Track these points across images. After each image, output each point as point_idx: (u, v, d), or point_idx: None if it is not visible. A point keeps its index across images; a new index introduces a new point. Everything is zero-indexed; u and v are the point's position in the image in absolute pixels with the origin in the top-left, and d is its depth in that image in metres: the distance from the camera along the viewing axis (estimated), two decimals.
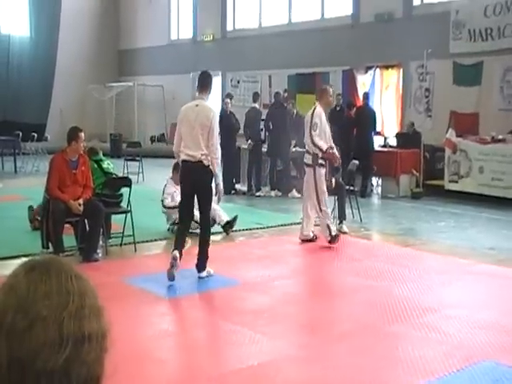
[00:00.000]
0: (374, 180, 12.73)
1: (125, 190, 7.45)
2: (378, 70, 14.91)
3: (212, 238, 8.14)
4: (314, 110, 7.70)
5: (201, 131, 5.97)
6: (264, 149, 12.51)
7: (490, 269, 6.71)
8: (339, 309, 5.42)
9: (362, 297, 5.80)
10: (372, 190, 12.44)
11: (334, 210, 8.86)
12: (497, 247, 7.73)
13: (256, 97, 12.89)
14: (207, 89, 6.22)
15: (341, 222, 8.69)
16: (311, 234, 7.82)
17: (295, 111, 12.45)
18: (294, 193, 11.63)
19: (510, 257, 7.24)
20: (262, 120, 12.83)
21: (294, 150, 12.30)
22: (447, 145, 11.78)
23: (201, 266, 6.32)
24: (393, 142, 13.97)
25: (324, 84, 11.72)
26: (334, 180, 8.57)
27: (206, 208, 6.21)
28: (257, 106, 12.84)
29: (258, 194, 12.10)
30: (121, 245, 7.44)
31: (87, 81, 22.01)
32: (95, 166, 7.52)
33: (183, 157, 6.06)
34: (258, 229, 8.75)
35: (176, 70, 20.97)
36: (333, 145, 7.79)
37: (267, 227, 8.83)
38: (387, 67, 14.78)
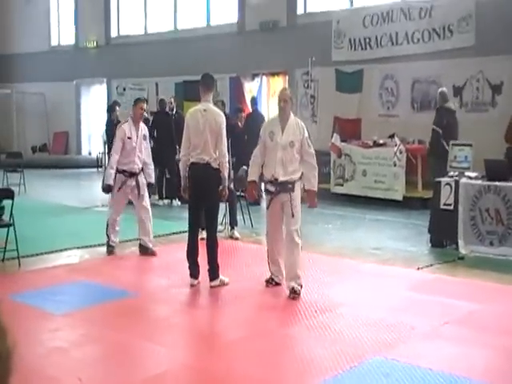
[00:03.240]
0: (263, 185, 12.93)
1: (6, 203, 7.12)
2: (264, 77, 15.22)
3: (101, 249, 8.02)
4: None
5: (209, 136, 6.10)
6: None
7: (375, 268, 7.04)
8: (233, 315, 5.45)
9: (255, 301, 5.88)
10: (261, 196, 12.63)
11: (225, 216, 8.94)
12: (381, 247, 8.11)
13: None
14: (211, 91, 6.32)
15: (232, 228, 8.78)
16: None
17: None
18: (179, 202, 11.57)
19: (393, 256, 7.63)
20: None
21: None
22: (332, 149, 12.22)
23: (212, 275, 6.21)
24: None
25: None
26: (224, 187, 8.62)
27: (211, 209, 6.24)
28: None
29: None
30: (3, 260, 7.11)
31: None
32: None
33: (192, 159, 6.17)
34: None
35: (58, 77, 20.31)
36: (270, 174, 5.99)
37: (158, 236, 8.73)
38: (273, 74, 15.12)
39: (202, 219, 6.44)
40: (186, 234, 6.50)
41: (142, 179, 7.63)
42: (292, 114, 6.16)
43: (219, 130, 6.12)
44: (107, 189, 7.54)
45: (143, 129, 7.70)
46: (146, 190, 7.72)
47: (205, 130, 6.11)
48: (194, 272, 6.31)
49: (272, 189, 5.99)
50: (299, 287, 5.88)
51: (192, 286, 6.25)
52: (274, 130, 5.97)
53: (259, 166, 6.08)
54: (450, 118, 10.09)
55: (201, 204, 6.25)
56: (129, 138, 7.45)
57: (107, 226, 7.70)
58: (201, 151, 6.11)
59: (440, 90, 10.66)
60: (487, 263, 7.17)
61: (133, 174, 7.56)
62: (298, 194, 5.94)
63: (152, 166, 7.83)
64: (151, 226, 7.70)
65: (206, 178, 6.11)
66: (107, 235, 7.71)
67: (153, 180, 7.87)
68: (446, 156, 9.43)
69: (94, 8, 19.28)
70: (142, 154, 7.60)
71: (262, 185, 12.29)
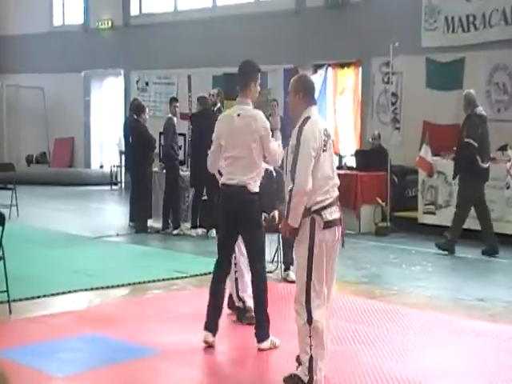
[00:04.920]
0: None
1: None
2: (330, 69, 15.30)
3: (115, 291, 8.14)
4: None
5: (247, 149, 5.96)
6: (183, 172, 12.50)
7: (479, 326, 6.94)
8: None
9: None
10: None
11: (276, 252, 8.96)
12: (488, 298, 8.01)
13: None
14: (250, 87, 6.10)
15: (287, 269, 8.78)
16: None
17: None
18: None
19: (505, 310, 7.52)
20: (181, 135, 12.78)
21: None
22: (421, 165, 12.15)
23: (261, 333, 6.09)
24: (351, 162, 14.29)
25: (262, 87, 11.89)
26: (276, 213, 8.66)
27: (255, 250, 6.13)
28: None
29: (175, 232, 12.08)
30: None
31: None
32: None
33: (223, 180, 6.15)
34: (178, 278, 8.74)
35: (61, 68, 20.85)
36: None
37: (190, 276, 8.82)
38: (342, 66, 15.18)
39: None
40: None
41: None
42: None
43: (261, 139, 5.96)
44: None
45: None
46: None
47: (238, 142, 5.99)
48: (211, 324, 6.13)
49: None
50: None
51: (206, 343, 6.08)
52: None
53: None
54: (483, 128, 10.17)
55: (234, 236, 6.22)
56: None
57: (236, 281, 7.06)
58: (234, 170, 6.03)
59: (465, 92, 10.74)
60: None
61: None
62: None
63: None
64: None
65: (242, 203, 6.01)
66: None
67: None
68: (483, 176, 10.00)
69: None
70: None
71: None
